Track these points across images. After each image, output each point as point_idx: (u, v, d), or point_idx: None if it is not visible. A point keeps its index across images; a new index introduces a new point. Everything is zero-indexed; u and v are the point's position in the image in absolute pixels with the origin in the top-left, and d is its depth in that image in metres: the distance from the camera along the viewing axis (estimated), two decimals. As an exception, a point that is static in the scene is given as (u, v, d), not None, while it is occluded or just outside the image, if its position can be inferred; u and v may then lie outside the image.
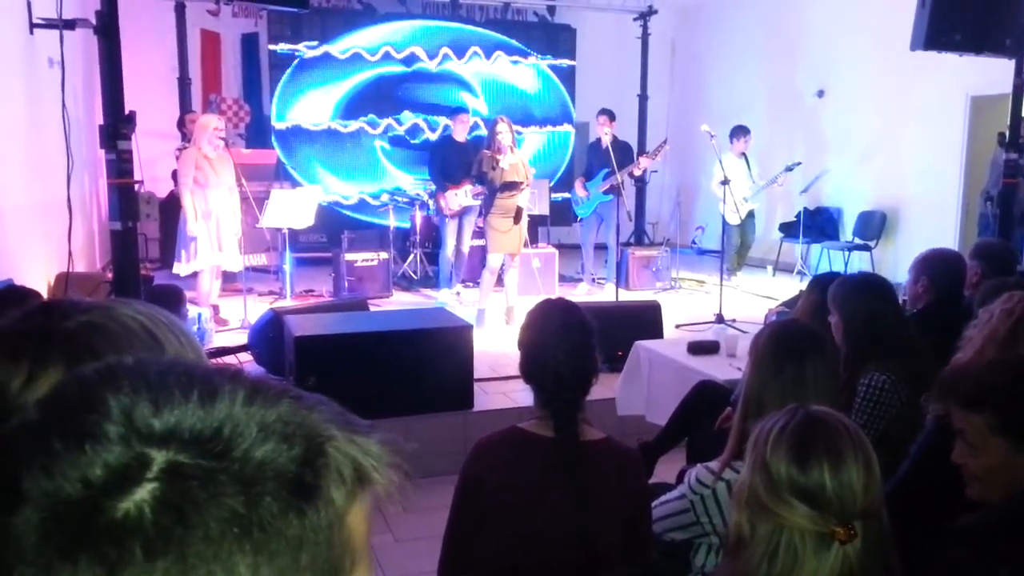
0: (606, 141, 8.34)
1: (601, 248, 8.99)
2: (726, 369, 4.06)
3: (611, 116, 8.56)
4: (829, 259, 9.99)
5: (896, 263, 9.19)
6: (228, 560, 0.48)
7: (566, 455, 2.04)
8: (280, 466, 0.51)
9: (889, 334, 2.84)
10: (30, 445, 0.49)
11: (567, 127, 12.19)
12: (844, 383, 2.82)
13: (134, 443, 0.49)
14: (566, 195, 9.19)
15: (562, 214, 10.41)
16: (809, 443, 1.41)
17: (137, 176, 4.60)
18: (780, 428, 1.45)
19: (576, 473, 2.03)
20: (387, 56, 11.32)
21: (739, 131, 9.26)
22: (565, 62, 12.23)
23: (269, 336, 5.39)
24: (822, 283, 3.19)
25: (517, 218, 6.96)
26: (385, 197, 10.55)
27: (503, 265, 7.17)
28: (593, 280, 8.99)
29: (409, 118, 11.47)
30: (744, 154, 9.31)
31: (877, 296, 2.90)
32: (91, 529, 0.47)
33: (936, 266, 3.61)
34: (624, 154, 8.47)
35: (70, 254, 4.70)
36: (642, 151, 9.87)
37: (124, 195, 4.40)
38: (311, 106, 11.05)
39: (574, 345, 2.10)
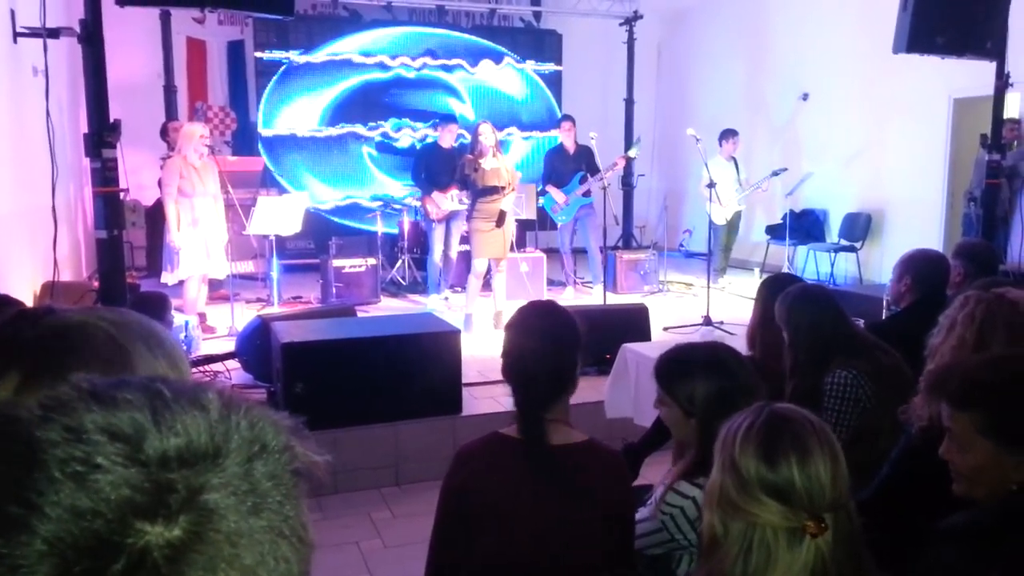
0: (571, 146, 8.60)
1: (580, 252, 9.02)
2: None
3: (573, 121, 8.89)
4: (816, 261, 10.04)
5: (882, 264, 9.25)
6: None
7: (533, 456, 2.03)
8: (282, 468, 0.54)
9: (835, 338, 2.92)
10: (31, 470, 0.48)
11: (554, 132, 12.20)
12: (805, 390, 2.88)
13: (152, 468, 0.49)
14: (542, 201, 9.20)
15: (549, 219, 10.42)
16: (776, 439, 1.42)
17: (122, 184, 4.58)
18: (747, 427, 1.46)
19: (546, 475, 2.02)
20: (374, 63, 11.32)
21: (727, 134, 9.31)
22: (551, 67, 12.26)
23: (257, 343, 5.38)
24: (770, 286, 3.32)
25: (500, 222, 6.97)
26: (376, 204, 10.54)
27: (489, 270, 7.18)
28: (576, 283, 9.01)
29: (396, 124, 11.47)
30: (733, 157, 9.36)
31: (814, 305, 2.98)
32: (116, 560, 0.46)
33: (920, 266, 3.65)
34: (589, 157, 8.58)
35: (55, 263, 4.68)
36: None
37: (109, 203, 4.39)
38: (297, 113, 11.03)
39: (549, 346, 2.09)
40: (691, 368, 2.21)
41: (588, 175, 8.54)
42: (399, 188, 10.48)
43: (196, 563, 0.48)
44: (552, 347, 2.09)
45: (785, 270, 9.85)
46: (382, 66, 11.36)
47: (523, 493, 2.04)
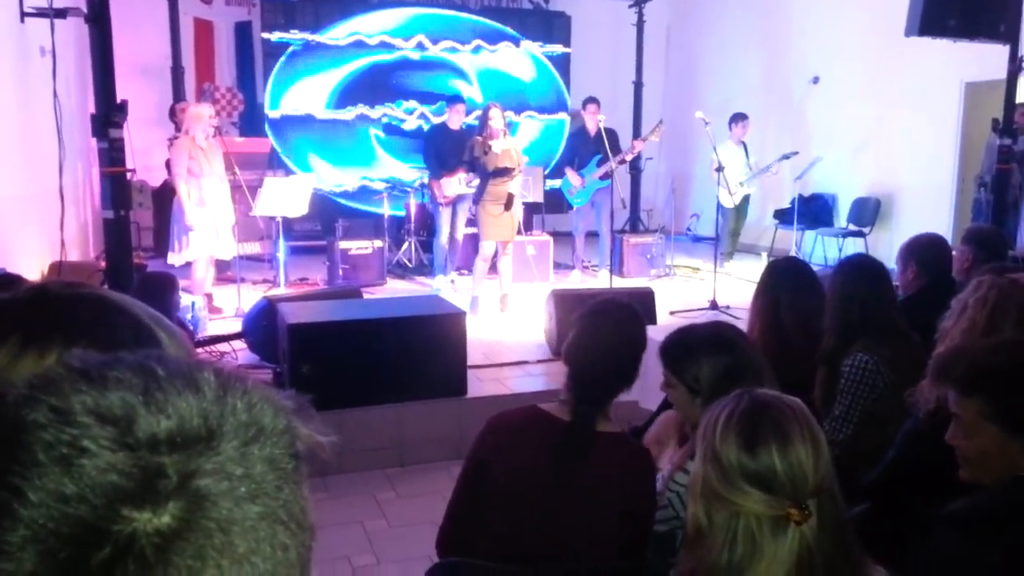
0: (594, 128, 8.48)
1: (593, 235, 8.99)
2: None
3: (598, 104, 8.71)
4: (824, 246, 10.00)
5: (891, 249, 9.18)
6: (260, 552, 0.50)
7: (575, 440, 2.06)
8: (280, 452, 0.53)
9: (863, 316, 2.92)
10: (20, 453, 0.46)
11: (562, 115, 12.17)
12: (831, 350, 2.91)
13: (141, 452, 0.47)
14: (559, 183, 9.15)
15: (556, 202, 10.39)
16: (756, 427, 1.41)
17: (130, 165, 4.60)
18: (727, 415, 1.44)
19: (580, 459, 2.05)
20: (381, 44, 11.28)
21: (737, 118, 9.27)
22: (560, 49, 12.20)
23: (263, 324, 5.39)
24: (773, 272, 3.33)
25: (508, 205, 6.95)
26: (380, 185, 10.55)
27: (496, 252, 7.18)
28: (584, 267, 8.99)
29: (403, 106, 11.44)
30: (743, 141, 9.32)
31: (854, 279, 3.00)
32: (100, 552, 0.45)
33: (923, 251, 3.66)
34: (613, 140, 8.51)
35: (63, 243, 4.70)
36: (635, 137, 9.86)
37: (116, 184, 4.40)
38: (305, 94, 11.01)
39: (617, 354, 2.15)
40: (696, 348, 2.22)
41: (607, 158, 8.46)
42: (406, 170, 10.46)
43: (185, 552, 0.46)
44: (620, 355, 2.15)
45: (792, 255, 9.82)
46: (389, 47, 11.32)
47: (547, 469, 2.07)
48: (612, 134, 8.54)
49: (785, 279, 3.21)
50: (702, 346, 2.21)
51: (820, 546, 1.36)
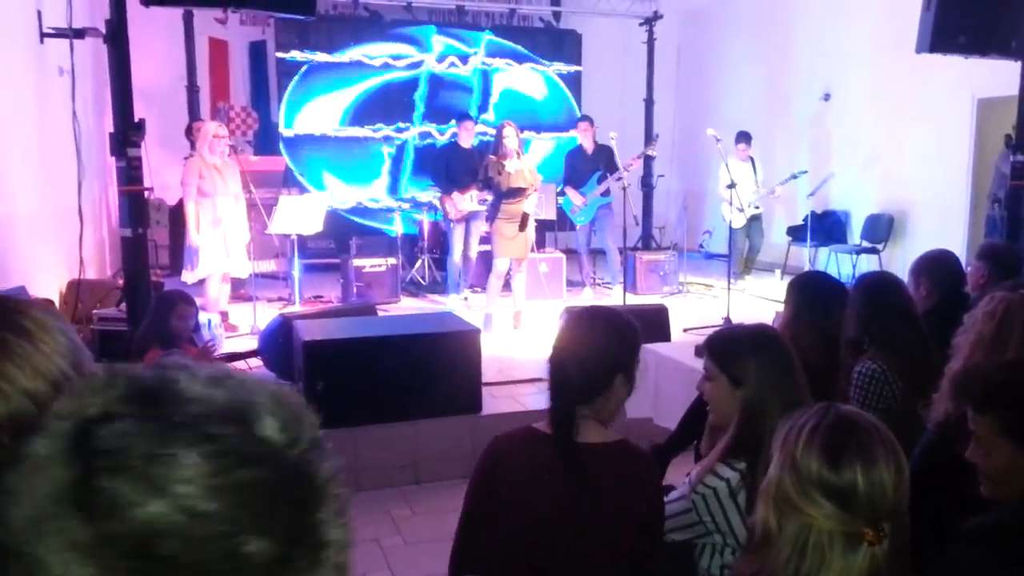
0: (590, 146, 8.59)
1: (597, 252, 9.02)
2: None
3: (591, 121, 8.90)
4: (837, 262, 9.97)
5: (904, 266, 9.09)
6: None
7: (560, 452, 2.05)
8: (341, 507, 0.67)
9: (880, 330, 2.94)
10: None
11: (573, 133, 12.18)
12: (851, 341, 2.95)
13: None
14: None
15: (568, 219, 10.42)
16: (842, 443, 1.41)
17: (147, 183, 4.64)
18: (812, 427, 1.44)
19: (573, 471, 2.03)
20: (394, 64, 11.36)
21: (739, 137, 9.31)
22: (571, 67, 12.25)
23: (279, 341, 5.42)
24: (800, 284, 3.36)
25: (523, 224, 6.97)
26: (393, 203, 10.61)
27: (510, 270, 7.19)
28: (596, 284, 9.00)
29: (417, 124, 11.51)
30: (751, 158, 9.33)
31: (873, 293, 3.06)
32: None
33: (933, 268, 3.68)
34: (609, 157, 8.55)
35: (81, 261, 4.75)
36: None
37: (134, 202, 4.45)
38: (319, 113, 11.09)
39: (588, 352, 2.10)
40: (745, 342, 2.27)
41: (607, 175, 8.53)
42: (419, 189, 10.51)
43: None
44: (591, 354, 2.10)
45: (814, 269, 9.79)
46: (402, 67, 11.39)
47: (547, 485, 2.06)
48: (608, 150, 8.58)
49: (807, 291, 3.22)
50: (751, 341, 2.27)
51: (889, 568, 1.36)
